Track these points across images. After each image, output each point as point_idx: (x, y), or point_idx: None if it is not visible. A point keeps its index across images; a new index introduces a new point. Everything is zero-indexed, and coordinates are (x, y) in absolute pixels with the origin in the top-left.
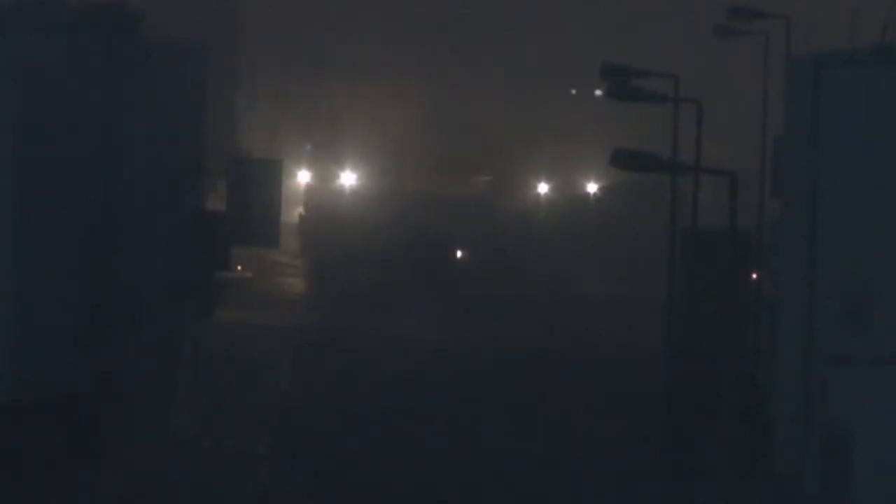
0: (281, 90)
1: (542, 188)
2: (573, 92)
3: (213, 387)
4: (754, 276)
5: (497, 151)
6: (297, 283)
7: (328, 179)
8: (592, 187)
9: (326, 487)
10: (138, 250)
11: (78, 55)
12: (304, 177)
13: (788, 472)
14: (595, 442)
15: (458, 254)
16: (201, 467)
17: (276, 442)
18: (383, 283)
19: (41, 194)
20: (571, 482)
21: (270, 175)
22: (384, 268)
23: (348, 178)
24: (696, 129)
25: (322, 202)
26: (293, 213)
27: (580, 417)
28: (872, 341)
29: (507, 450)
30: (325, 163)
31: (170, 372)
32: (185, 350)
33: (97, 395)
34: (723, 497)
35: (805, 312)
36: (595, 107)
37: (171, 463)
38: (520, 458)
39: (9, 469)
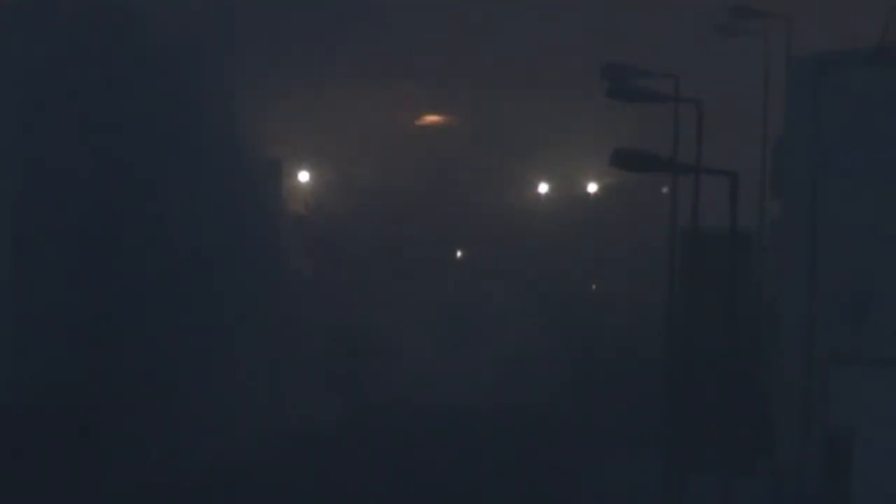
0: (281, 90)
1: (543, 188)
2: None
3: (215, 388)
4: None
5: (497, 151)
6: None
7: (328, 179)
8: (592, 187)
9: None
10: (138, 250)
11: (78, 55)
12: (303, 177)
13: (788, 472)
14: (594, 441)
15: (458, 254)
16: (200, 468)
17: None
18: (383, 284)
19: (41, 194)
20: (571, 481)
21: (270, 175)
22: (383, 268)
23: (348, 178)
24: (696, 128)
25: (321, 201)
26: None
27: (579, 416)
28: (872, 341)
29: (505, 446)
30: (326, 163)
31: (172, 372)
32: (187, 350)
33: (97, 395)
34: (723, 497)
35: (805, 312)
36: (595, 107)
37: (170, 463)
38: (517, 456)
39: (9, 469)
